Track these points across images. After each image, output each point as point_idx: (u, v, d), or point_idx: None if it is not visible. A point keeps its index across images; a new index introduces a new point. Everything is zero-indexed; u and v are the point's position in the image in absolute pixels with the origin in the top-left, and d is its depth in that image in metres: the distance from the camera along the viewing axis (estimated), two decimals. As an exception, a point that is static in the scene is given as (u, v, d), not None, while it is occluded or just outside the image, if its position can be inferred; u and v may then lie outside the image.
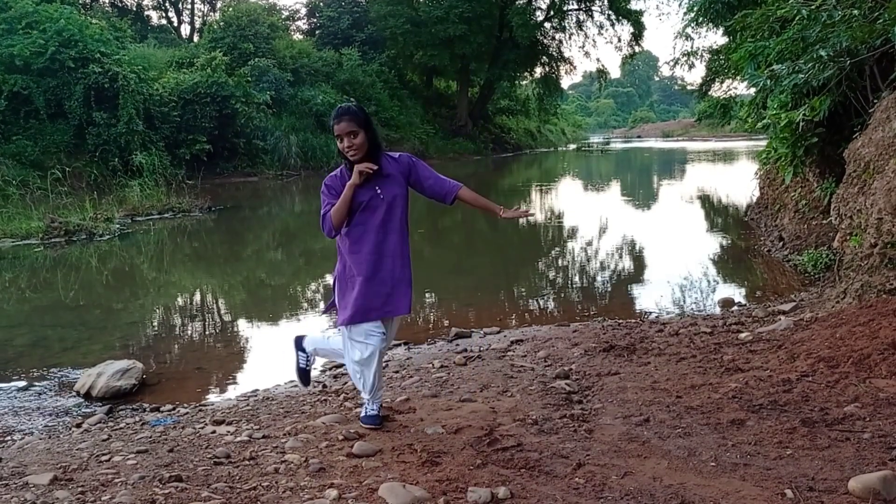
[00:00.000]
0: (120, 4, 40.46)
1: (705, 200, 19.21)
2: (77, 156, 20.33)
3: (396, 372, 5.29)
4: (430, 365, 5.38)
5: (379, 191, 3.78)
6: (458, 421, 3.94)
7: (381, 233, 3.79)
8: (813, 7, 7.23)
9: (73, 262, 11.28)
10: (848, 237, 6.34)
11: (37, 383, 5.70)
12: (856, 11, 6.82)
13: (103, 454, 3.75)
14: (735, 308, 7.29)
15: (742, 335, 5.61)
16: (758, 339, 5.40)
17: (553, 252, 12.56)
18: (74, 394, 5.43)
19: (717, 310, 7.36)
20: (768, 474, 3.11)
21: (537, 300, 8.56)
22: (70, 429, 4.61)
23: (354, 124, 3.69)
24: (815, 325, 5.33)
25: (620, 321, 6.75)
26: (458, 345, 6.14)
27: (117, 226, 14.07)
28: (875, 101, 6.82)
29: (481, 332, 6.62)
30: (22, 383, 5.70)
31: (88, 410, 5.08)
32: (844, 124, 7.76)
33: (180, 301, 9.29)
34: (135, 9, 41.64)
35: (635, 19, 39.66)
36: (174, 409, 4.96)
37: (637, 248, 12.15)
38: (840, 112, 7.71)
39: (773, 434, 3.53)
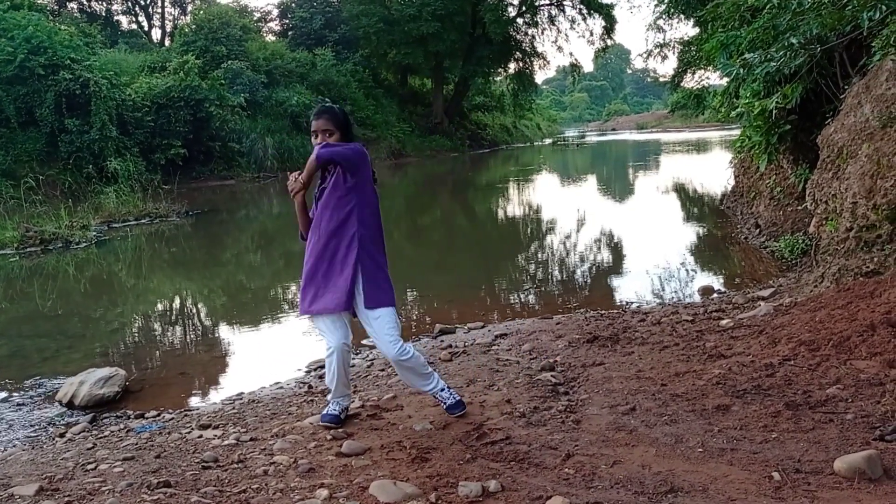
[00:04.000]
0: (89, 10, 39.97)
1: (681, 190, 19.34)
2: (50, 164, 20.10)
3: (382, 370, 5.29)
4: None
5: (317, 190, 3.89)
6: (446, 417, 3.95)
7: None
8: (783, -5, 7.31)
9: (49, 272, 11.14)
10: (824, 222, 6.42)
11: (17, 394, 5.63)
12: (825, -1, 6.90)
13: (89, 463, 3.71)
14: (715, 295, 7.35)
15: (723, 322, 5.65)
16: (739, 325, 5.45)
17: (533, 246, 12.60)
18: (56, 403, 5.36)
19: (698, 298, 7.41)
20: (755, 458, 3.15)
21: (519, 294, 8.58)
22: (54, 438, 4.56)
23: (332, 124, 3.76)
24: (795, 309, 5.40)
25: (603, 312, 6.79)
26: (442, 341, 6.14)
27: (94, 233, 13.89)
28: (846, 87, 6.91)
29: (465, 328, 6.63)
30: (1, 395, 5.62)
31: (72, 419, 5.02)
32: (816, 111, 7.86)
33: (160, 307, 9.21)
34: (104, 14, 41.14)
35: (606, 13, 39.79)
36: (159, 415, 4.91)
37: (616, 239, 12.22)
38: (812, 99, 7.79)
39: (758, 418, 3.57)
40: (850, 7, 6.47)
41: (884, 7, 6.05)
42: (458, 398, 4.00)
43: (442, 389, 3.99)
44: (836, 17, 6.61)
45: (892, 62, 5.88)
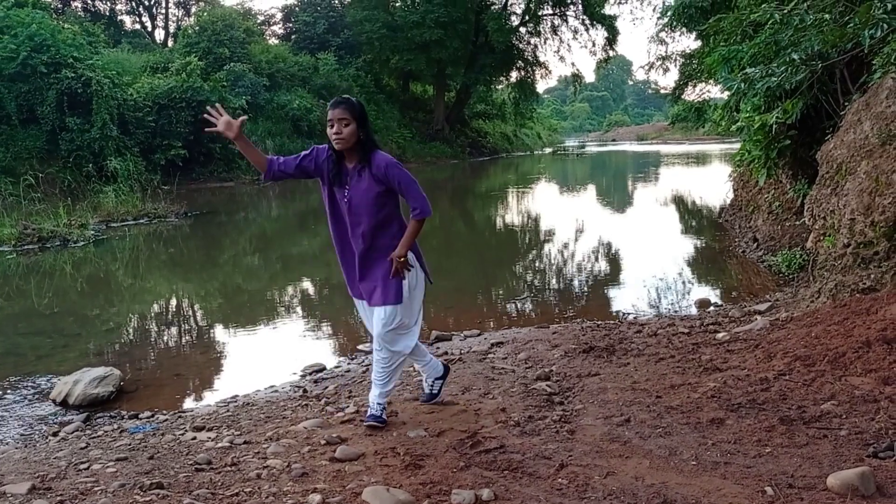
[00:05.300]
0: (93, 9, 40.03)
1: (680, 203, 19.37)
2: (50, 162, 20.11)
3: (377, 376, 5.28)
4: (412, 368, 5.36)
5: (346, 193, 3.86)
6: (440, 424, 3.95)
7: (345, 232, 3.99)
8: (785, 11, 7.34)
9: (46, 269, 11.14)
10: (821, 237, 6.43)
11: (11, 392, 5.62)
12: (827, 16, 6.93)
13: (82, 462, 3.70)
14: (712, 309, 7.36)
15: (719, 335, 5.66)
16: (735, 338, 5.46)
17: (531, 254, 12.60)
18: (50, 402, 5.36)
19: (694, 310, 7.42)
20: (748, 472, 3.15)
21: (516, 302, 8.58)
22: (47, 437, 4.55)
23: (348, 114, 3.74)
24: (791, 324, 5.41)
25: (599, 322, 6.79)
26: (438, 348, 6.14)
27: (92, 232, 13.89)
28: (846, 103, 6.93)
29: (461, 335, 6.63)
30: (-4, 392, 5.61)
31: (65, 419, 5.01)
32: (816, 127, 7.88)
33: (157, 308, 9.20)
34: (108, 14, 41.19)
35: (609, 24, 39.95)
36: (153, 415, 4.91)
37: (614, 250, 12.23)
38: (812, 115, 7.82)
39: (752, 432, 3.57)
40: (851, 25, 6.50)
41: (885, 25, 6.08)
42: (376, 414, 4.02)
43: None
44: (838, 34, 6.64)
45: (893, 80, 5.90)
